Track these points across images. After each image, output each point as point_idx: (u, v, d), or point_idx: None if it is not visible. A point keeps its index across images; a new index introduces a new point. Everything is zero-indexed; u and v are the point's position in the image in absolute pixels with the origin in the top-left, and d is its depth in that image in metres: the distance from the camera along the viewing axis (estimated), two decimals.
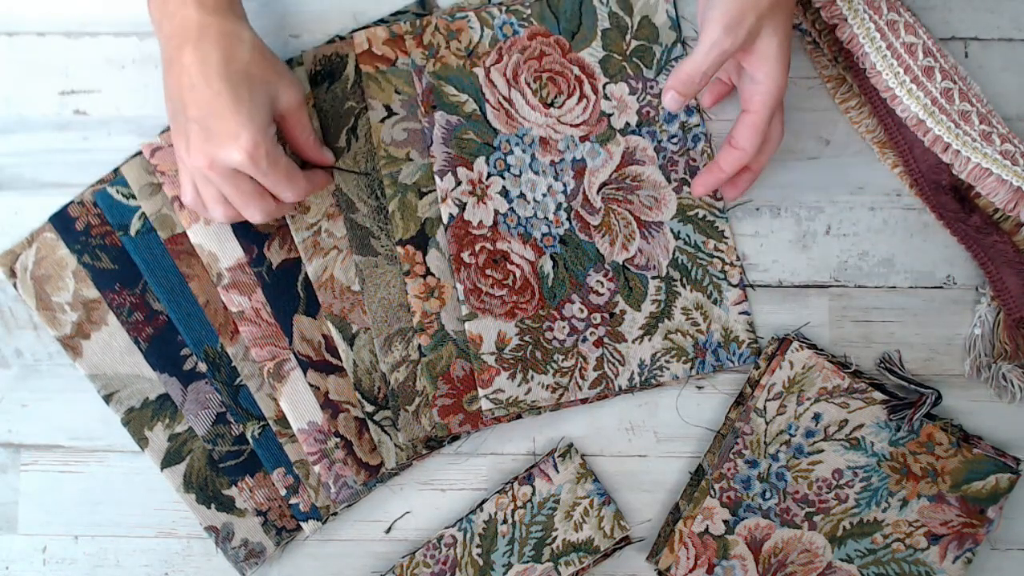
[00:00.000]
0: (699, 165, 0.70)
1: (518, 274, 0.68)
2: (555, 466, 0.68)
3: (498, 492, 0.68)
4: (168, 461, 0.68)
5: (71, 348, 0.68)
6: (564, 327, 0.68)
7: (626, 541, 0.68)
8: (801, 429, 0.67)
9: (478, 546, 0.67)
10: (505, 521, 0.67)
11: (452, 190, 0.68)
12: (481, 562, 0.67)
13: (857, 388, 0.67)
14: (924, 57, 0.66)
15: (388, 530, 0.70)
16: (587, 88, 0.70)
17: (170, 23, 0.59)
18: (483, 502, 0.68)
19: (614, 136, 0.70)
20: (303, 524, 0.69)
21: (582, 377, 0.68)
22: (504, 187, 0.69)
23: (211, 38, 0.57)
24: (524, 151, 0.69)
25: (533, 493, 0.68)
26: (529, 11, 0.70)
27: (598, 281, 0.69)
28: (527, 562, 0.67)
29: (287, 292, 0.68)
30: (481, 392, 0.67)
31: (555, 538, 0.67)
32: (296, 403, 0.68)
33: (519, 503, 0.67)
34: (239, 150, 0.57)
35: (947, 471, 0.67)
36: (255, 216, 0.61)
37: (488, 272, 0.68)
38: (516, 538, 0.67)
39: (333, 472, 0.68)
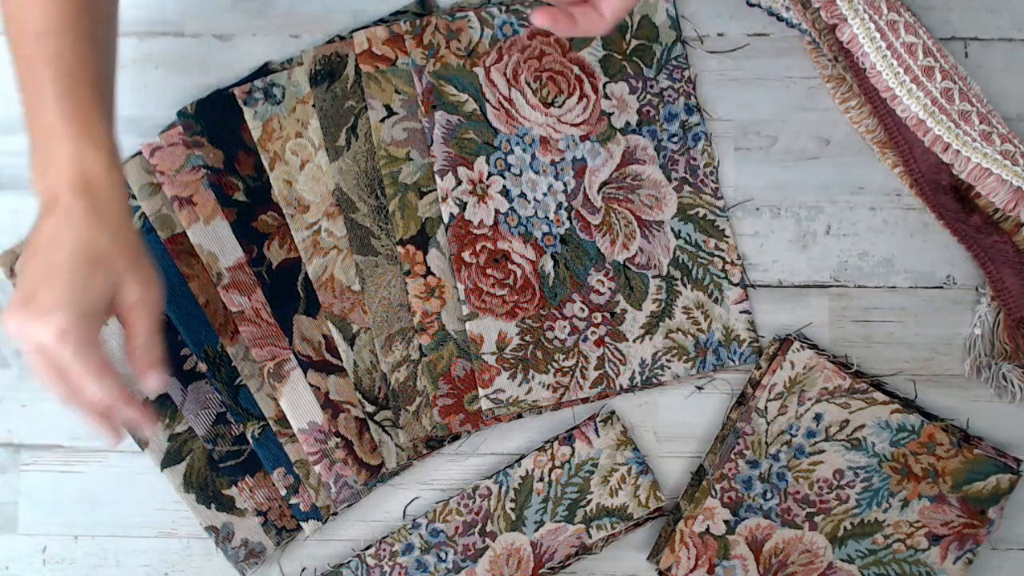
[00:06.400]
0: (699, 164, 0.70)
1: (519, 273, 0.68)
2: (596, 430, 0.68)
3: (537, 450, 0.68)
4: (168, 461, 0.68)
5: None
6: (565, 327, 0.68)
7: (658, 512, 0.68)
8: (802, 429, 0.67)
9: (512, 500, 0.67)
10: (541, 479, 0.67)
11: (453, 189, 0.68)
12: (514, 516, 0.67)
13: (858, 388, 0.67)
14: (924, 57, 0.66)
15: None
16: (587, 87, 0.70)
17: (45, 185, 0.57)
18: (521, 458, 0.68)
19: (614, 135, 0.70)
20: (303, 524, 0.68)
21: (583, 377, 0.68)
22: (505, 186, 0.69)
23: (76, 214, 0.55)
24: (524, 150, 0.69)
25: (572, 454, 0.68)
26: (529, 10, 0.70)
27: (599, 280, 0.69)
28: (559, 521, 0.67)
29: (287, 292, 0.68)
30: (482, 392, 0.67)
31: (589, 501, 0.67)
32: (296, 403, 0.68)
33: (557, 463, 0.67)
34: (50, 329, 0.54)
35: (948, 472, 0.67)
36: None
37: (489, 272, 0.68)
38: (551, 497, 0.67)
39: (333, 472, 0.67)
